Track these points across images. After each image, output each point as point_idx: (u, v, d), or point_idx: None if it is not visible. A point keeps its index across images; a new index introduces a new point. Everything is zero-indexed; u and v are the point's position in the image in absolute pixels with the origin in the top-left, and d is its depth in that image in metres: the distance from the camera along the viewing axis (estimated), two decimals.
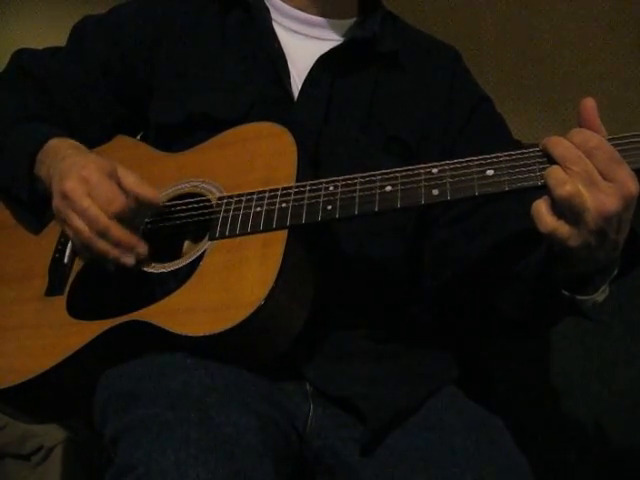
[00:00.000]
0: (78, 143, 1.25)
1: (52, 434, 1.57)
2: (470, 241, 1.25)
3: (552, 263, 1.06)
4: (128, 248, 1.13)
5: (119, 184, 1.15)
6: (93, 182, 1.13)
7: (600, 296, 1.07)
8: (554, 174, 0.96)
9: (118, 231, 1.12)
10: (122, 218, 1.13)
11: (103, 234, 1.12)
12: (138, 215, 1.16)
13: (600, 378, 1.62)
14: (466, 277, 1.26)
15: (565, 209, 0.96)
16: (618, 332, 1.63)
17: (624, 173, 0.95)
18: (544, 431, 1.61)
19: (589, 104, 0.99)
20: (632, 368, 1.62)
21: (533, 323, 1.22)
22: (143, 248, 1.14)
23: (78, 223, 1.13)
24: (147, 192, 1.16)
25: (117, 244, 1.13)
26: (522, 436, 1.15)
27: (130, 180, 1.16)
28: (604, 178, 0.95)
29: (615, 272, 1.05)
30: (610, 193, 0.95)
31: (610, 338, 1.64)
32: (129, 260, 1.14)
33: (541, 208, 0.98)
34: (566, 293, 1.06)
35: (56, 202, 1.16)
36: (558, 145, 0.98)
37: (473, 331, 1.41)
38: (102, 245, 1.13)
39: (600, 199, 0.94)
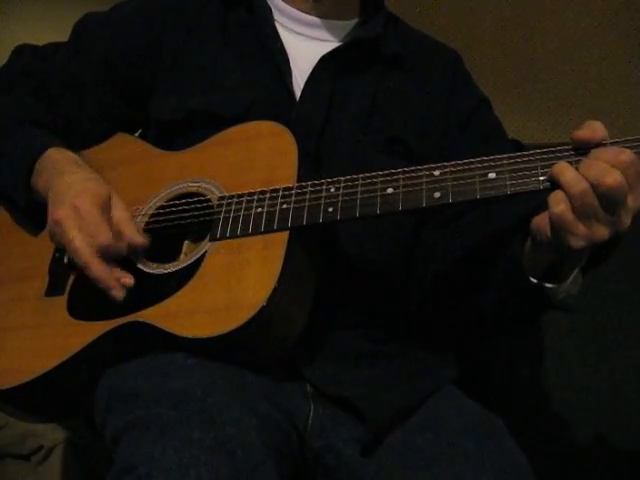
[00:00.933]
0: (74, 155, 1.26)
1: (52, 434, 1.57)
2: (454, 242, 1.25)
3: (523, 254, 1.08)
4: (105, 288, 1.13)
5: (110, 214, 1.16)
6: (83, 212, 1.14)
7: (573, 287, 1.08)
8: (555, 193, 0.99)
9: (96, 271, 1.13)
10: (106, 252, 1.14)
11: (83, 269, 1.14)
12: (124, 250, 1.15)
13: (600, 378, 1.62)
14: (449, 277, 1.26)
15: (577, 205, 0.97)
16: (618, 332, 1.64)
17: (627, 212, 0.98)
18: (543, 431, 1.61)
19: (580, 134, 1.00)
20: (632, 368, 1.62)
21: (511, 316, 1.23)
22: (120, 292, 1.13)
23: (68, 251, 1.16)
24: (130, 232, 1.15)
25: (95, 281, 1.13)
26: (521, 436, 1.15)
27: (117, 214, 1.16)
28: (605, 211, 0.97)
29: (583, 262, 1.06)
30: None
31: (610, 338, 1.64)
32: (111, 296, 1.14)
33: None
34: (534, 280, 1.07)
35: (50, 227, 1.18)
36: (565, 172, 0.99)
37: (470, 331, 1.41)
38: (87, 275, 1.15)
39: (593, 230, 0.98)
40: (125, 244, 1.15)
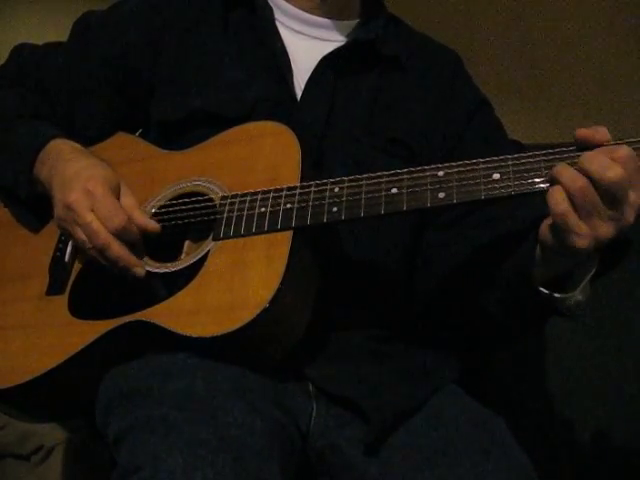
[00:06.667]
0: (79, 145, 1.25)
1: (52, 434, 1.56)
2: (460, 243, 1.25)
3: (533, 261, 1.07)
4: (127, 267, 1.14)
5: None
6: (97, 196, 1.14)
7: (582, 295, 1.07)
8: (553, 193, 0.97)
9: (117, 249, 1.13)
10: (122, 235, 1.14)
11: (103, 250, 1.13)
12: (137, 234, 1.16)
13: (600, 378, 1.63)
14: (453, 279, 1.26)
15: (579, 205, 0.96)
16: (617, 333, 1.64)
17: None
18: (543, 431, 1.62)
19: (582, 132, 1.00)
20: (632, 368, 1.62)
21: (516, 324, 1.22)
22: (141, 269, 1.14)
23: (81, 236, 1.15)
24: (139, 217, 1.16)
25: (116, 262, 1.13)
26: (522, 436, 1.16)
27: (126, 201, 1.17)
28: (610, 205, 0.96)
29: (594, 270, 1.05)
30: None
31: (609, 338, 1.64)
32: (130, 275, 1.14)
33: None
34: (544, 290, 1.07)
35: (59, 212, 1.17)
36: (563, 172, 0.98)
37: (473, 332, 1.42)
38: (103, 260, 1.15)
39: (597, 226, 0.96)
40: (136, 229, 1.15)
